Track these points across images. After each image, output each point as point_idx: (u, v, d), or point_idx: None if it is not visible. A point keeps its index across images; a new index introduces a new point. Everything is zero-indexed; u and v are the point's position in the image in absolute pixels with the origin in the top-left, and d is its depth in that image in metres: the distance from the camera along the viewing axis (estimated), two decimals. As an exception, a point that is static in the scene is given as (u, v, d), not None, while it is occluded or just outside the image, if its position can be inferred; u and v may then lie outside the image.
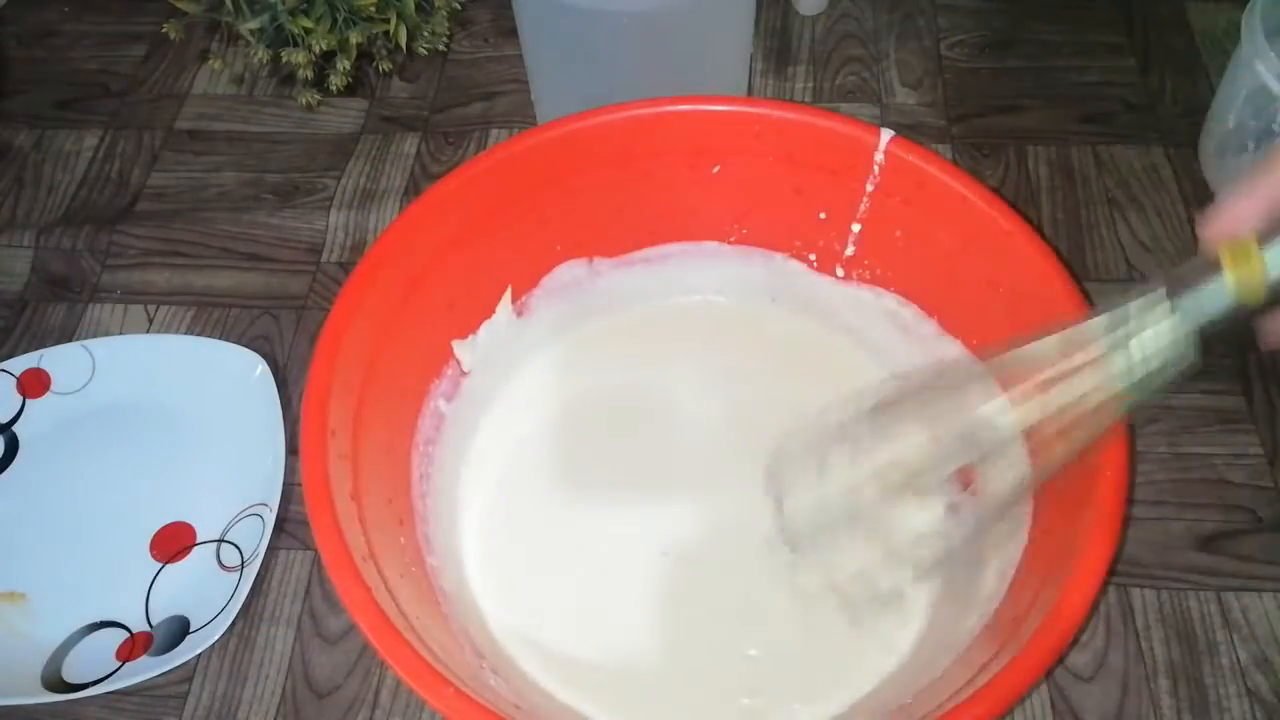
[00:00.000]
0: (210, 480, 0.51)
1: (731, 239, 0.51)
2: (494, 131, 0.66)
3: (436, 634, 0.38)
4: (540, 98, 0.61)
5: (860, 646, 0.43)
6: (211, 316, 0.58)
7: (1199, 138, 0.61)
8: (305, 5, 0.59)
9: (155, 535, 0.50)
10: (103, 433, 0.53)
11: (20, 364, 0.54)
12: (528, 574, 0.46)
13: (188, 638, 0.46)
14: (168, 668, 0.45)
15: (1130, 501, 0.48)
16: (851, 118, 0.46)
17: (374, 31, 0.61)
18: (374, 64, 0.65)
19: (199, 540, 0.50)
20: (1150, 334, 0.33)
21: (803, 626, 0.44)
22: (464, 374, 0.49)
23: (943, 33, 0.70)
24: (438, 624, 0.40)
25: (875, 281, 0.49)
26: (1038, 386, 0.34)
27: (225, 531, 0.50)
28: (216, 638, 0.45)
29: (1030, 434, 0.35)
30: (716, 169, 0.48)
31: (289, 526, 0.50)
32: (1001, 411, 0.35)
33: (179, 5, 0.60)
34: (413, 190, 0.63)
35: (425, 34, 0.64)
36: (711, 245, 0.51)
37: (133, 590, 0.49)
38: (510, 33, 0.71)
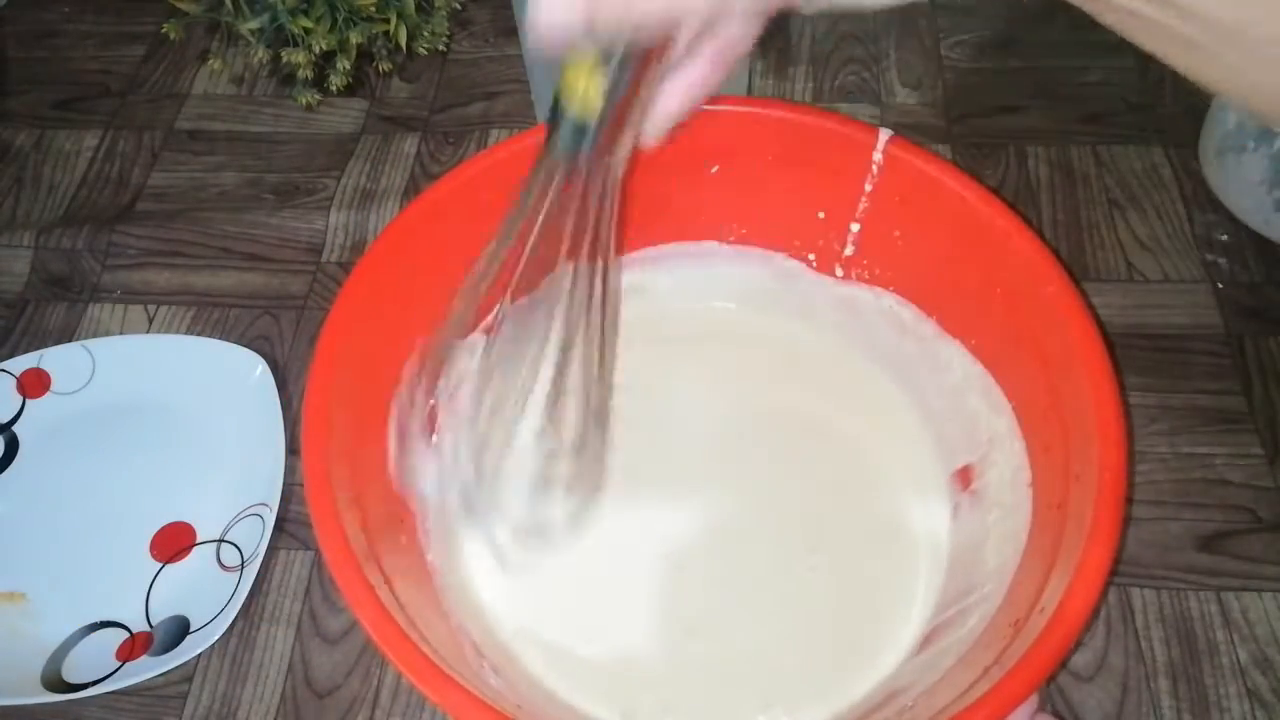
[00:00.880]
0: (210, 480, 0.51)
1: (730, 239, 0.51)
2: (494, 131, 0.66)
3: (438, 632, 0.38)
4: (540, 97, 0.62)
5: (861, 647, 0.43)
6: (211, 316, 0.58)
7: (1199, 137, 0.61)
8: (305, 5, 0.59)
9: (155, 535, 0.50)
10: (103, 433, 0.53)
11: (20, 364, 0.54)
12: (529, 572, 0.46)
13: (188, 638, 0.46)
14: (168, 668, 0.45)
15: (1130, 501, 0.48)
16: (849, 117, 0.46)
17: (374, 31, 0.61)
18: (374, 64, 0.65)
19: (199, 540, 0.50)
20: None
21: (805, 627, 0.44)
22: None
23: (943, 33, 0.70)
24: (439, 622, 0.40)
25: (874, 281, 0.49)
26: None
27: (225, 531, 0.50)
28: (216, 638, 0.45)
29: None
30: (715, 169, 0.48)
31: (289, 526, 0.50)
32: None
33: (179, 5, 0.60)
34: (413, 190, 0.63)
35: (425, 34, 0.64)
36: (710, 245, 0.51)
37: (133, 590, 0.49)
38: (510, 32, 0.71)
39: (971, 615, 0.40)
